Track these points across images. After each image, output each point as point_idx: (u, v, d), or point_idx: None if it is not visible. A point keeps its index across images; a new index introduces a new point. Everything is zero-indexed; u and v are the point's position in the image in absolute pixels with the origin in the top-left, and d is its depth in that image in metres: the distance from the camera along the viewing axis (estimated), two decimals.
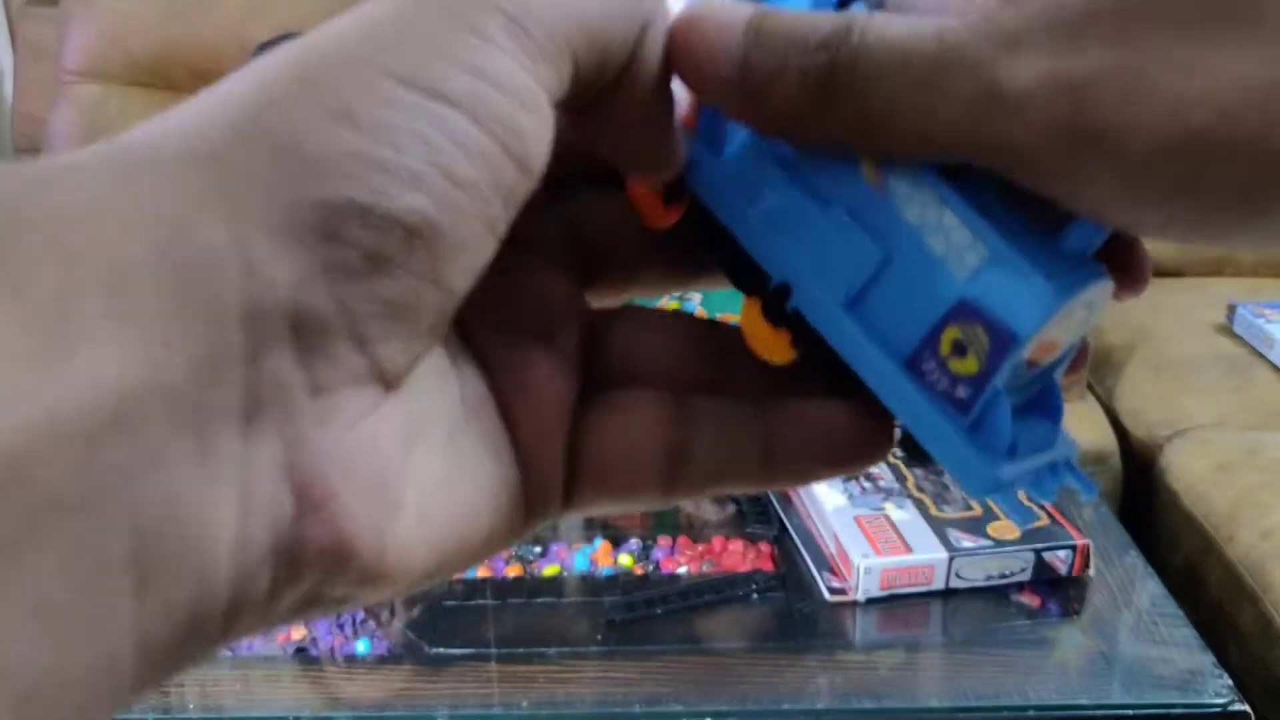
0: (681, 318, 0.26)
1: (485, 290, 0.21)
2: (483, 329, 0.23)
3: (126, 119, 2.12)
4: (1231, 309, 2.00)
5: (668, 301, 1.68)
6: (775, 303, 0.24)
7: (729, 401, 0.25)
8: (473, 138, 0.19)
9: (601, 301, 0.26)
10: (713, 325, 0.26)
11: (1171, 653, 1.13)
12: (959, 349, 0.23)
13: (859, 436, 0.25)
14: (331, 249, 0.18)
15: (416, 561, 0.21)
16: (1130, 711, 1.07)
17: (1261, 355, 1.91)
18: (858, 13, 0.23)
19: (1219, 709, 1.07)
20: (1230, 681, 1.09)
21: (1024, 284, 0.22)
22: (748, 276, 0.25)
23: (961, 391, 0.23)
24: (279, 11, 2.04)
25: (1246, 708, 1.07)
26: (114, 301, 0.16)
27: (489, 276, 0.21)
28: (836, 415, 0.25)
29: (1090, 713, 1.07)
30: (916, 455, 0.24)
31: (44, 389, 0.15)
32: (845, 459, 0.25)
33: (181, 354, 0.17)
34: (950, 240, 0.23)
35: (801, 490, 1.32)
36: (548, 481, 0.24)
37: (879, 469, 1.35)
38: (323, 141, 0.18)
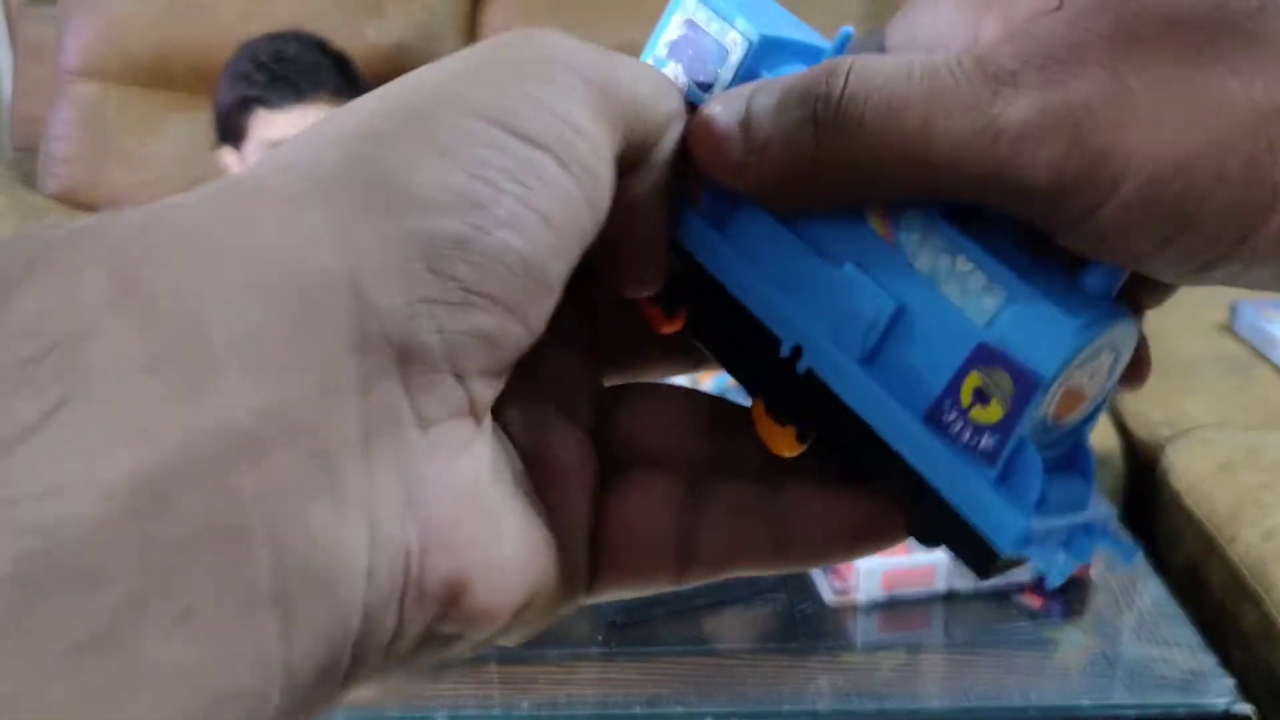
0: (690, 395, 0.26)
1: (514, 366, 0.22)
2: (509, 406, 0.23)
3: (126, 119, 2.12)
4: (1233, 309, 1.99)
5: None
6: (779, 399, 0.24)
7: (739, 485, 0.25)
8: (559, 180, 0.20)
9: (610, 381, 0.26)
10: (721, 403, 0.26)
11: (1173, 653, 1.13)
12: (981, 397, 0.22)
13: (870, 525, 0.24)
14: (434, 282, 0.18)
15: (516, 598, 0.21)
16: (1132, 712, 1.06)
17: (1263, 355, 1.91)
18: (839, 59, 0.23)
19: (1221, 710, 1.06)
20: (1232, 682, 1.09)
21: (1045, 323, 0.22)
22: (752, 369, 0.25)
23: (986, 441, 0.22)
24: (278, 11, 2.04)
25: (1248, 708, 1.07)
26: (236, 333, 0.17)
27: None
28: (848, 504, 0.24)
29: (1092, 714, 1.06)
30: (931, 541, 0.24)
31: (177, 420, 0.15)
32: (856, 546, 0.25)
33: (301, 385, 0.17)
34: (966, 286, 0.22)
35: None
36: (576, 562, 0.23)
37: None
38: (427, 177, 0.19)
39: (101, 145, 2.11)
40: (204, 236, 0.17)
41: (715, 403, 0.26)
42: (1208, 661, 1.12)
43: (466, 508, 0.19)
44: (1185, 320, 2.05)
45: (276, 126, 1.50)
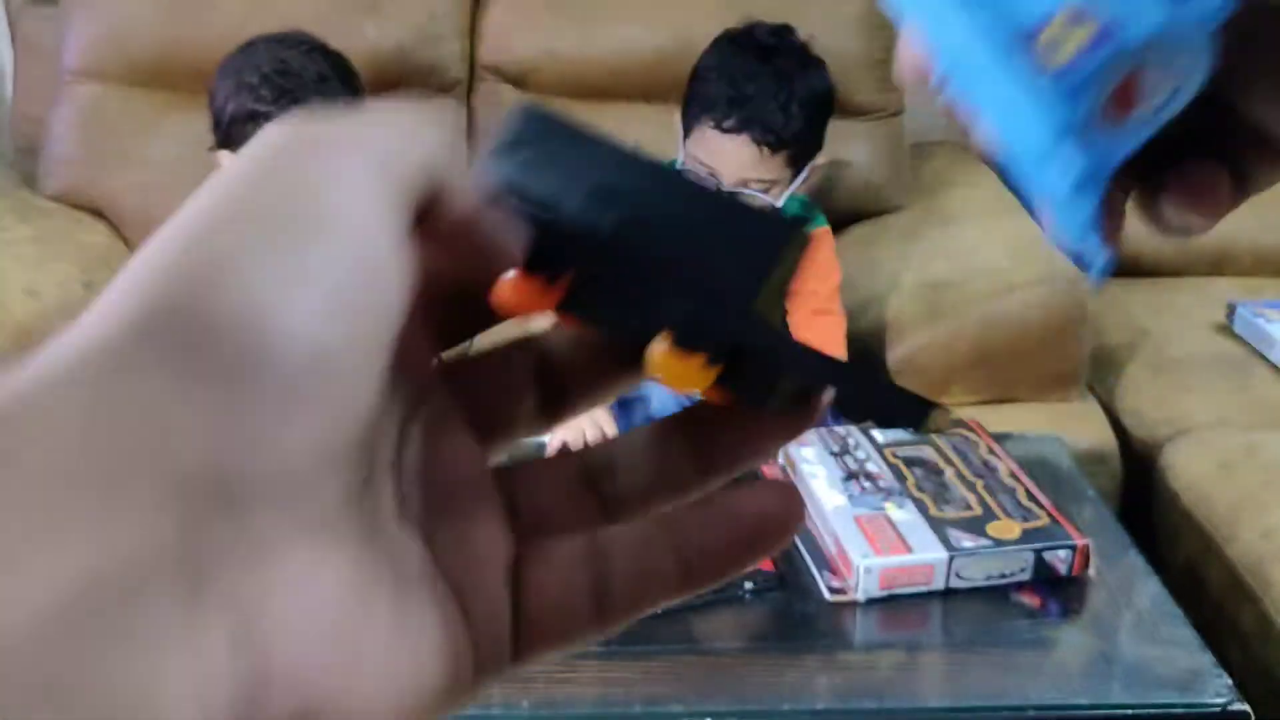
0: (563, 456, 0.27)
1: (409, 458, 0.23)
2: (413, 496, 0.23)
3: (126, 119, 2.12)
4: (1231, 309, 2.00)
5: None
6: (688, 326, 0.24)
7: (635, 525, 0.25)
8: (341, 269, 0.20)
9: (493, 452, 0.27)
10: (588, 453, 0.27)
11: (1172, 653, 1.13)
12: (1057, 43, 0.24)
13: (765, 514, 0.25)
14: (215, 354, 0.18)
15: (386, 709, 0.21)
16: (1130, 711, 1.07)
17: (1261, 355, 1.91)
18: None
19: (1219, 709, 1.07)
20: (1230, 681, 1.09)
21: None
22: (650, 309, 0.25)
23: (1051, 66, 0.25)
24: (279, 11, 2.04)
25: (1246, 708, 1.07)
26: (48, 502, 0.17)
27: (409, 446, 0.23)
28: (740, 500, 0.25)
29: (1090, 713, 1.07)
30: (862, 415, 0.25)
31: None
32: (757, 541, 0.25)
33: (117, 543, 0.17)
34: None
35: (802, 490, 1.32)
36: (497, 640, 0.24)
37: (879, 469, 1.35)
38: (216, 301, 0.19)
39: (102, 145, 2.11)
40: (10, 406, 0.17)
41: (584, 455, 0.27)
42: (1205, 661, 1.12)
43: (314, 635, 0.19)
44: (1183, 320, 2.05)
45: None
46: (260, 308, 0.19)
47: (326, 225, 0.20)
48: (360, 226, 0.20)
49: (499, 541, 0.24)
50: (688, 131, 1.58)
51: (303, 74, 1.52)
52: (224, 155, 1.55)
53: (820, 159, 1.61)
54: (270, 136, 0.21)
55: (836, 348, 1.61)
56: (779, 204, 1.56)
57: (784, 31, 1.60)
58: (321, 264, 0.20)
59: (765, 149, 1.51)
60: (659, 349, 0.24)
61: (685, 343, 0.24)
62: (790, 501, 0.25)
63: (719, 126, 1.52)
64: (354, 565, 0.20)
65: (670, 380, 0.25)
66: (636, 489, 0.27)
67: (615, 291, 0.25)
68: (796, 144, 1.53)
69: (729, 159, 1.52)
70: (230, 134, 1.52)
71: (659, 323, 0.24)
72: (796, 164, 1.55)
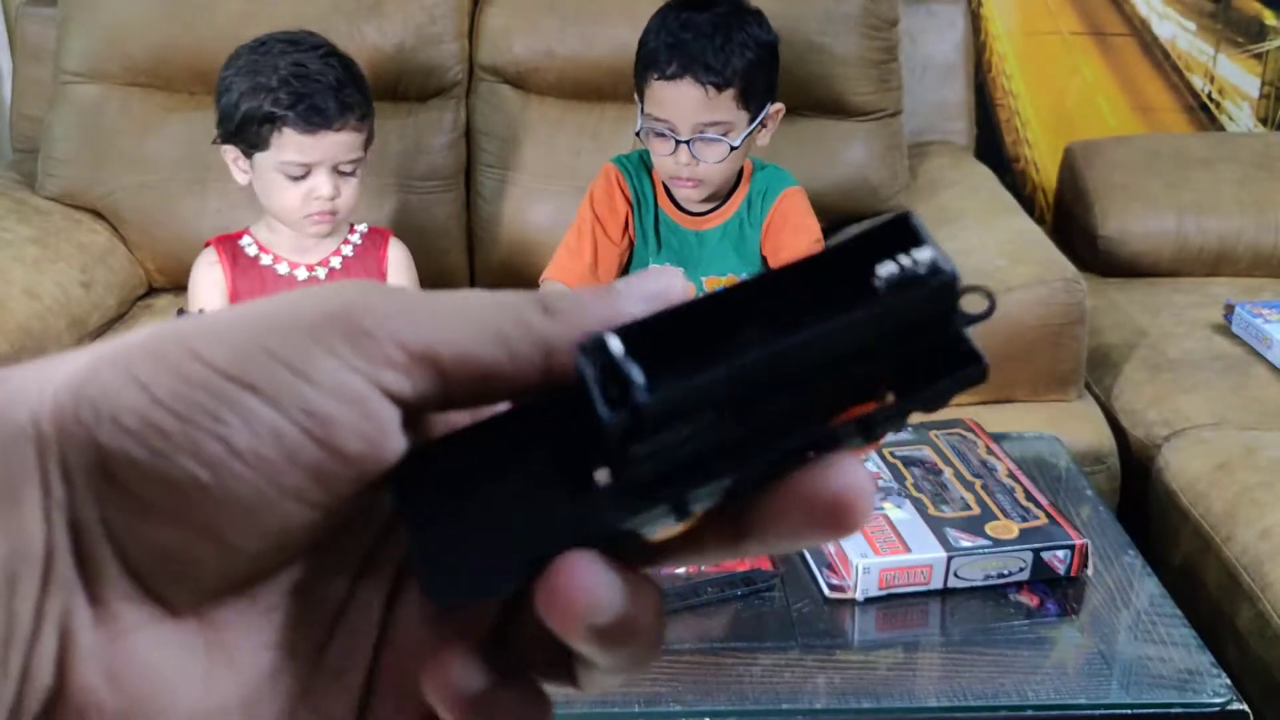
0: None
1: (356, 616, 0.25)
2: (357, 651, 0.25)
3: (125, 120, 2.12)
4: (1229, 309, 2.00)
5: None
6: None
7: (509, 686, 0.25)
8: (267, 419, 0.21)
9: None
10: None
11: (1170, 652, 1.13)
12: None
13: (841, 497, 0.24)
14: (113, 492, 0.21)
15: None
16: (1128, 711, 1.07)
17: (1259, 355, 1.91)
18: None
19: (1217, 708, 1.07)
20: (1228, 681, 1.09)
21: None
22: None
23: None
24: (278, 12, 2.04)
25: (1245, 707, 1.07)
26: None
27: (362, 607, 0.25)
28: (816, 481, 0.24)
29: (1088, 712, 1.07)
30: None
31: None
32: (831, 527, 0.24)
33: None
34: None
35: None
36: None
37: (877, 468, 1.35)
38: (120, 402, 0.21)
39: (101, 146, 2.11)
40: None
41: None
42: (1203, 660, 1.12)
43: (113, 681, 0.22)
44: (1181, 320, 2.05)
45: (306, 151, 1.50)
46: (148, 422, 0.22)
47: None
48: (325, 386, 0.22)
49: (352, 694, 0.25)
50: (641, 96, 1.60)
51: (321, 79, 1.52)
52: (230, 150, 1.55)
53: (774, 107, 1.62)
54: (313, 293, 0.23)
55: None
56: (736, 144, 1.57)
57: None
58: (245, 408, 0.22)
59: (710, 89, 1.54)
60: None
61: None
62: (868, 484, 0.23)
63: (663, 76, 1.55)
64: (203, 644, 0.23)
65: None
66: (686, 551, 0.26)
67: None
68: (741, 82, 1.55)
69: (678, 106, 1.55)
70: (243, 132, 1.52)
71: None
72: (748, 105, 1.57)
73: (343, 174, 1.54)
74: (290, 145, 1.50)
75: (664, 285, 0.24)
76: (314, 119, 1.49)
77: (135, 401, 0.21)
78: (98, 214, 2.12)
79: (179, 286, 2.18)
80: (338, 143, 1.52)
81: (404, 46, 2.10)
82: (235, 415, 0.21)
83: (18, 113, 2.30)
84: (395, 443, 0.22)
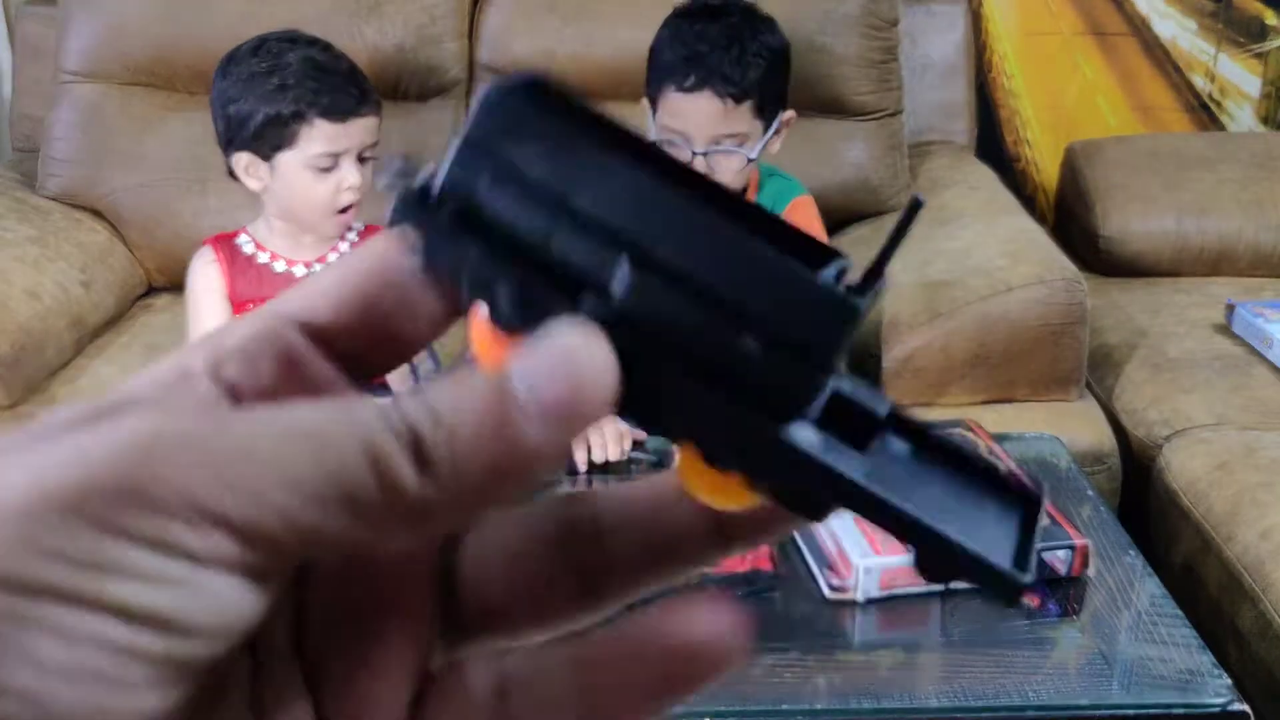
0: (544, 519, 0.23)
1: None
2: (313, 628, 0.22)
3: (125, 119, 2.12)
4: (1230, 309, 2.00)
5: None
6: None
7: (541, 656, 0.22)
8: (81, 625, 0.17)
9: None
10: (573, 510, 0.23)
11: (1171, 652, 1.13)
12: None
13: (697, 647, 0.21)
14: None
15: None
16: (1129, 711, 1.07)
17: (1260, 355, 1.91)
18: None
19: (1218, 709, 1.07)
20: (1229, 681, 1.09)
21: None
22: (661, 421, 0.20)
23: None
24: (278, 13, 2.04)
25: (1245, 707, 1.07)
26: None
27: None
28: (668, 625, 0.21)
29: (1089, 713, 1.07)
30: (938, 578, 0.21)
31: None
32: (684, 680, 0.21)
33: None
34: None
35: None
36: None
37: None
38: None
39: (101, 146, 2.11)
40: None
41: (568, 512, 0.23)
42: (1204, 660, 1.12)
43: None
44: (1182, 320, 2.05)
45: (336, 140, 1.50)
46: None
47: None
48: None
49: (398, 691, 0.22)
50: (655, 105, 1.59)
51: (336, 68, 1.54)
52: (243, 157, 1.53)
53: (788, 114, 1.62)
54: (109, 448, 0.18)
55: None
56: (753, 155, 1.57)
57: None
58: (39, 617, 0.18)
59: (729, 101, 1.53)
60: (688, 460, 0.20)
61: (716, 461, 0.20)
62: (734, 629, 0.21)
63: (680, 88, 1.54)
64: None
65: (698, 493, 0.21)
66: (630, 562, 0.22)
67: (624, 372, 0.19)
68: (758, 93, 1.55)
69: (696, 118, 1.54)
70: (265, 136, 1.51)
71: (683, 430, 0.20)
72: (763, 114, 1.57)
73: (363, 160, 1.55)
74: (320, 137, 1.50)
75: (570, 373, 0.19)
76: (341, 107, 1.50)
77: None
78: (97, 213, 2.12)
79: (178, 286, 2.17)
80: (363, 128, 1.53)
81: (404, 46, 2.10)
82: (37, 632, 0.17)
83: (18, 112, 2.30)
84: (252, 604, 0.18)
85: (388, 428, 0.18)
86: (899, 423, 0.22)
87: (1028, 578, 0.20)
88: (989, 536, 0.20)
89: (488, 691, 0.22)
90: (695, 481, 0.21)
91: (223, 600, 0.18)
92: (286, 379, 0.21)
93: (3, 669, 0.17)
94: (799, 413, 0.20)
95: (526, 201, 0.20)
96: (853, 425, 0.20)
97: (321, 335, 0.21)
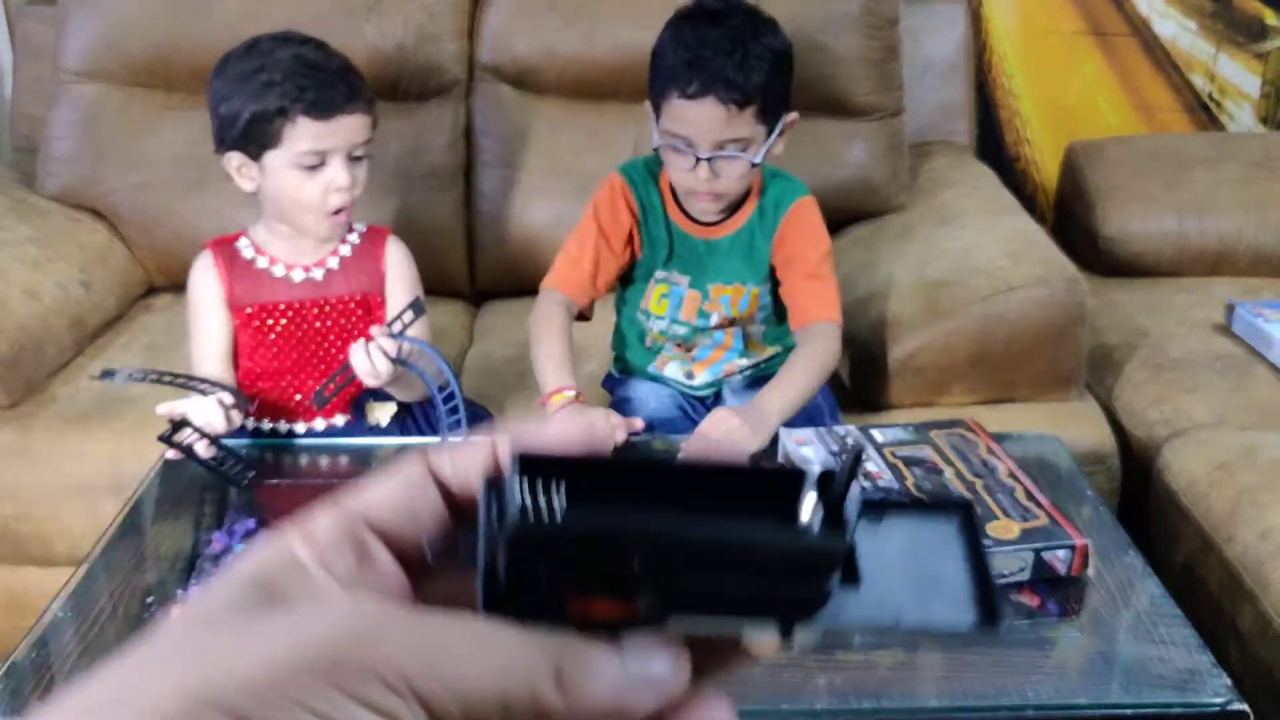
0: None
1: None
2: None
3: (125, 119, 2.12)
4: (1230, 309, 2.00)
5: (655, 287, 1.68)
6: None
7: None
8: None
9: None
10: None
11: (1170, 652, 1.13)
12: None
13: None
14: None
15: None
16: (1129, 711, 1.07)
17: (1260, 355, 1.91)
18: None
19: (1218, 708, 1.07)
20: (1229, 681, 1.09)
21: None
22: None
23: None
24: (278, 13, 2.04)
25: (1245, 707, 1.07)
26: None
27: None
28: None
29: (1089, 712, 1.07)
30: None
31: None
32: None
33: None
34: None
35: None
36: None
37: (878, 468, 1.35)
38: None
39: (101, 145, 2.11)
40: None
41: None
42: (1204, 660, 1.12)
43: None
44: (1182, 320, 2.05)
45: (321, 139, 1.49)
46: None
47: None
48: None
49: None
50: (658, 111, 1.59)
51: (325, 66, 1.52)
52: (234, 157, 1.53)
53: (791, 116, 1.61)
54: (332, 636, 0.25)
55: (831, 311, 1.61)
56: (757, 160, 1.57)
57: None
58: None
59: (732, 107, 1.52)
60: (769, 641, 0.28)
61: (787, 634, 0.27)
62: None
63: (684, 95, 1.53)
64: None
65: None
66: None
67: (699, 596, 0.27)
68: (761, 97, 1.54)
69: (700, 124, 1.54)
70: (251, 134, 1.50)
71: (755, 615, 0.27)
72: (767, 119, 1.56)
73: (355, 159, 1.54)
74: (304, 135, 1.49)
75: (661, 680, 0.27)
76: (326, 104, 1.49)
77: None
78: (97, 213, 2.12)
79: (178, 286, 2.17)
80: (350, 126, 1.51)
81: (404, 46, 2.10)
82: None
83: (18, 112, 2.31)
84: None
85: (548, 665, 0.25)
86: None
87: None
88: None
89: None
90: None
91: None
92: (361, 561, 0.28)
93: None
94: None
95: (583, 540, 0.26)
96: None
97: (376, 526, 0.28)
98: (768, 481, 0.27)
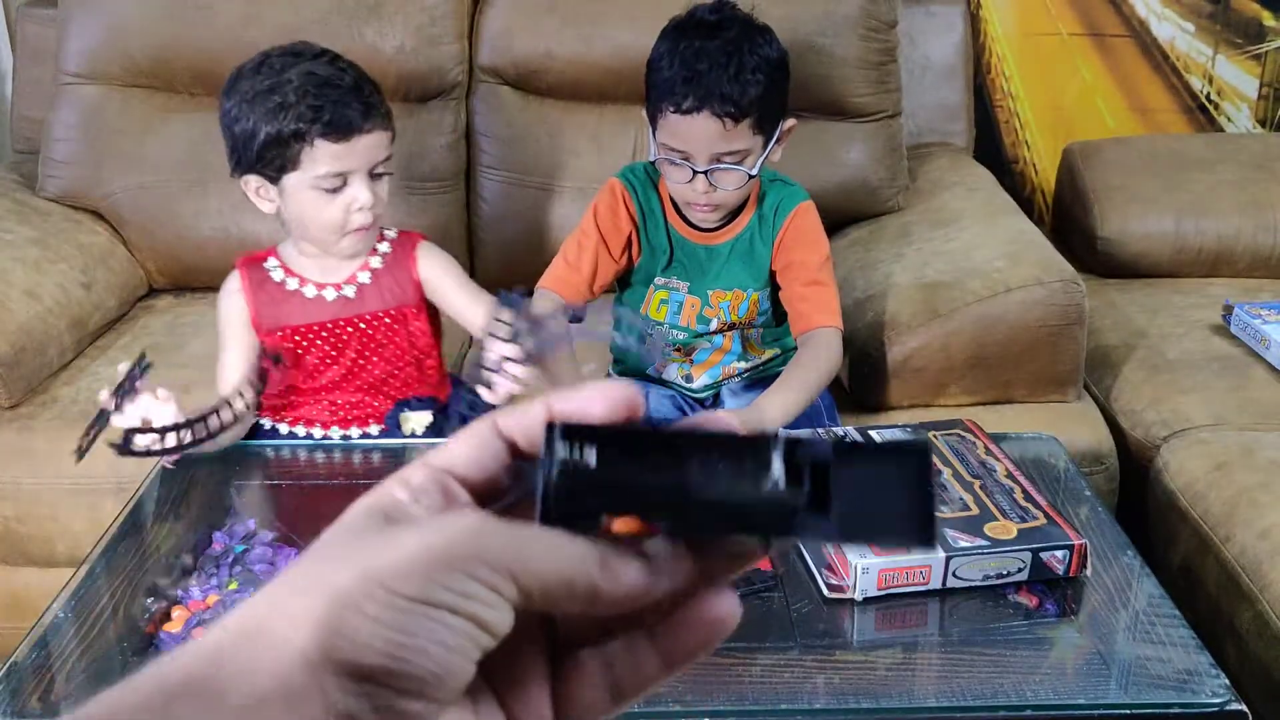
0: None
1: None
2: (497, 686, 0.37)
3: (125, 120, 2.12)
4: (1228, 309, 2.00)
5: (654, 293, 1.68)
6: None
7: (630, 638, 0.37)
8: (458, 626, 0.32)
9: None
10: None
11: (1168, 652, 1.14)
12: None
13: (724, 619, 0.36)
14: (374, 688, 0.31)
15: None
16: (1127, 711, 1.07)
17: (1258, 355, 1.92)
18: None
19: (1216, 708, 1.07)
20: (1227, 681, 1.09)
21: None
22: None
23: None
24: (278, 15, 2.04)
25: (1243, 707, 1.07)
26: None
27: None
28: (707, 608, 0.36)
29: (1087, 712, 1.07)
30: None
31: None
32: (713, 642, 0.36)
33: None
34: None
35: None
36: None
37: None
38: (366, 637, 0.31)
39: (101, 147, 2.12)
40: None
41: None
42: (1202, 660, 1.12)
43: None
44: (1180, 321, 2.06)
45: (341, 160, 1.45)
46: (392, 642, 0.32)
47: None
48: (476, 602, 0.33)
49: (541, 672, 0.37)
50: (654, 123, 1.58)
51: (339, 83, 1.46)
52: (252, 180, 1.49)
53: (788, 123, 1.61)
54: (442, 536, 0.33)
55: (833, 316, 1.61)
56: (754, 172, 1.57)
57: (725, 6, 1.61)
58: (441, 621, 0.32)
59: (728, 120, 1.52)
60: (754, 545, 0.36)
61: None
62: (736, 610, 0.36)
63: (679, 110, 1.52)
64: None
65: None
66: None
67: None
68: (757, 110, 1.53)
69: (695, 139, 1.53)
70: (267, 159, 1.46)
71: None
72: (764, 129, 1.56)
73: (376, 176, 1.50)
74: (324, 158, 1.44)
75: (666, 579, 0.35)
76: (344, 125, 1.44)
77: (375, 632, 0.31)
78: (98, 215, 2.13)
79: (179, 287, 2.18)
80: (370, 145, 1.47)
81: (404, 48, 2.10)
82: (439, 626, 0.31)
83: (18, 113, 2.31)
84: (510, 623, 0.33)
85: (597, 557, 0.34)
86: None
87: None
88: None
89: (602, 670, 0.37)
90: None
91: (506, 619, 0.33)
92: (446, 500, 0.36)
93: (425, 644, 0.31)
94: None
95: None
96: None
97: (455, 474, 0.36)
98: (748, 443, 0.35)
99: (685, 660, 0.37)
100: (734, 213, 1.65)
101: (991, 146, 2.56)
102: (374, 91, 1.50)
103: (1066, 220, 2.42)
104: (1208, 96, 2.59)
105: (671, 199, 1.66)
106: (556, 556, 0.34)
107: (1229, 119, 2.60)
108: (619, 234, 1.66)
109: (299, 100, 1.43)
